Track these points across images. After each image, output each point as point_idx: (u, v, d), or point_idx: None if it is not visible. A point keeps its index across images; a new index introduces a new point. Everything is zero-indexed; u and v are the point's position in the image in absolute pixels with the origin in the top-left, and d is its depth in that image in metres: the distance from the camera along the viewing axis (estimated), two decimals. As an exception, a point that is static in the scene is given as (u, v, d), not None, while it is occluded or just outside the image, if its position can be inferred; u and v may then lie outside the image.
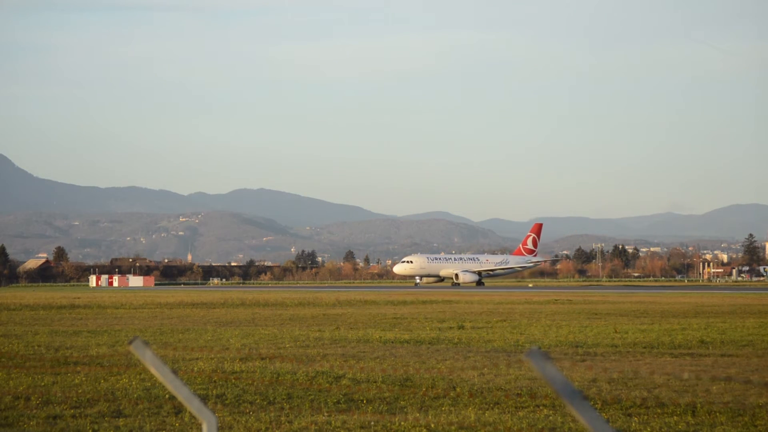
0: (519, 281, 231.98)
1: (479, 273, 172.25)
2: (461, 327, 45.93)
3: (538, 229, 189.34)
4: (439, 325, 47.40)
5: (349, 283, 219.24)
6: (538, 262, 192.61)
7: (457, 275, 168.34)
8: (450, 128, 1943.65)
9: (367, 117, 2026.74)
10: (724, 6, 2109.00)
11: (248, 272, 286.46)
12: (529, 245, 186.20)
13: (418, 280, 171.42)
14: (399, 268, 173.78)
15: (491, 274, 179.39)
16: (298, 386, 24.04)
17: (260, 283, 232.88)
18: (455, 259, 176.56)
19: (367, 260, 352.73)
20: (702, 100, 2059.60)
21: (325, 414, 20.17)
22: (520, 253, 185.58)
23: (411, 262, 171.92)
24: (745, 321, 50.10)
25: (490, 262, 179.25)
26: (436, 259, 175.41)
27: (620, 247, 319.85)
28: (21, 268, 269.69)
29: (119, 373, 26.67)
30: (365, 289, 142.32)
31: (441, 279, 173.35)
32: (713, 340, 37.65)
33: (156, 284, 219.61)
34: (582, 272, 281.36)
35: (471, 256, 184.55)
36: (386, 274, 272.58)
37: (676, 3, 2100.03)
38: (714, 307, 66.00)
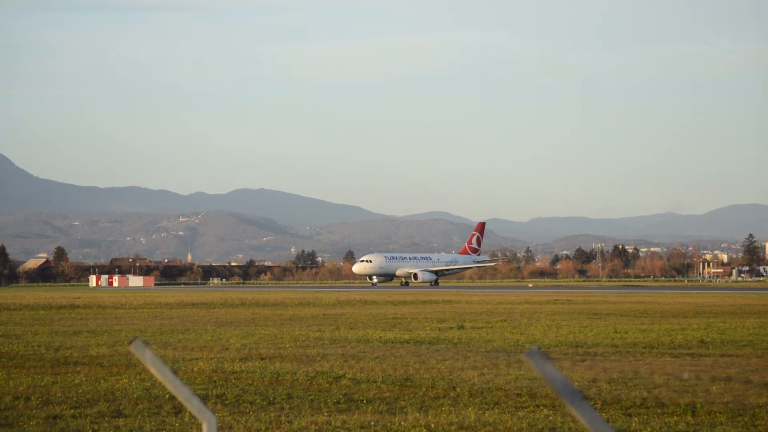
0: (519, 281, 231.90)
1: (436, 272, 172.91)
2: (461, 327, 45.93)
3: (481, 228, 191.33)
4: (439, 325, 47.39)
5: (349, 283, 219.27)
6: (483, 261, 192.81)
7: (416, 275, 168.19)
8: (450, 128, 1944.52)
9: (367, 117, 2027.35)
10: (723, 6, 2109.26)
11: (248, 272, 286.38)
12: (474, 244, 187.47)
13: (375, 280, 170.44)
14: (358, 267, 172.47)
15: (445, 273, 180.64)
16: (298, 386, 24.04)
17: (260, 283, 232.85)
18: (410, 258, 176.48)
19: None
20: (702, 101, 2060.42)
21: (325, 414, 20.17)
22: (466, 252, 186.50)
23: (370, 261, 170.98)
24: (745, 321, 50.10)
25: (441, 261, 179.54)
26: (393, 258, 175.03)
27: (620, 247, 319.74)
28: (21, 268, 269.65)
29: (119, 373, 26.67)
30: (363, 289, 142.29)
31: (391, 278, 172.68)
32: (713, 340, 37.65)
33: (156, 284, 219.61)
34: (582, 272, 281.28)
35: (424, 255, 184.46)
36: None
37: (676, 4, 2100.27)
38: (714, 307, 65.99)
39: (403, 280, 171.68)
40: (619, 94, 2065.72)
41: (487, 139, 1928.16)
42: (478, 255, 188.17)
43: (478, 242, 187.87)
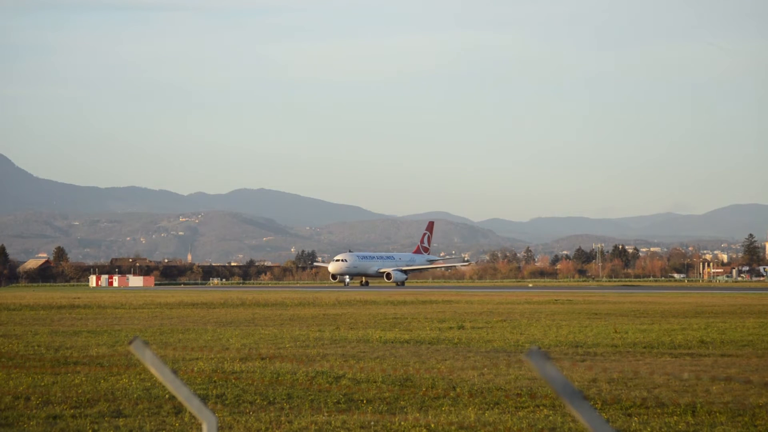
0: (519, 281, 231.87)
1: (405, 272, 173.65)
2: (461, 327, 45.93)
3: (431, 227, 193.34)
4: (439, 325, 47.40)
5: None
6: (433, 260, 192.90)
7: (389, 274, 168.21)
8: (450, 128, 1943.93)
9: (367, 117, 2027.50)
10: (723, 6, 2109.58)
11: (248, 272, 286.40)
12: (425, 243, 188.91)
13: (347, 280, 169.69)
14: (334, 266, 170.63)
15: (412, 272, 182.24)
16: (298, 386, 24.05)
17: (260, 283, 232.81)
18: (377, 258, 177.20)
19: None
20: (702, 101, 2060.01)
21: (325, 414, 20.18)
22: (419, 252, 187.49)
23: (345, 260, 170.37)
24: (745, 321, 50.11)
25: (402, 260, 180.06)
26: (365, 257, 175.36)
27: (620, 247, 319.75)
28: (21, 268, 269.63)
29: (119, 373, 26.67)
30: (363, 289, 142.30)
31: (352, 277, 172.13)
32: (713, 340, 37.65)
33: (156, 284, 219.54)
34: (582, 272, 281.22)
35: (389, 254, 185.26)
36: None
37: (676, 4, 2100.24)
38: (714, 307, 66.01)
39: (363, 280, 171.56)
40: (619, 94, 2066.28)
41: (488, 139, 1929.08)
42: (428, 254, 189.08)
43: (429, 241, 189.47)
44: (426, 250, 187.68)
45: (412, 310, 64.96)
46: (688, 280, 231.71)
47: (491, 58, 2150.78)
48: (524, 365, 28.07)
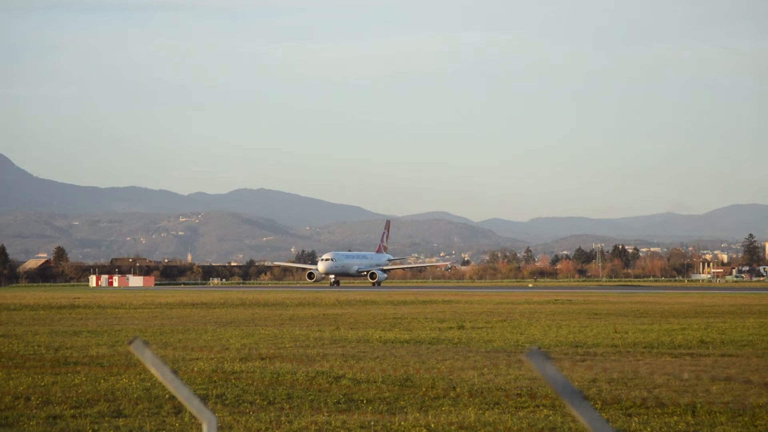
0: (518, 281, 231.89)
1: (386, 271, 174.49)
2: (461, 327, 45.94)
3: (388, 226, 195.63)
4: (439, 325, 47.41)
5: (349, 282, 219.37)
6: (392, 259, 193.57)
7: (373, 274, 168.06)
8: (450, 128, 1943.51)
9: (368, 117, 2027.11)
10: (723, 7, 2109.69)
11: (248, 272, 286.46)
12: (385, 242, 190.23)
13: (332, 279, 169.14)
14: (324, 266, 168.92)
15: (387, 271, 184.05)
16: (298, 386, 24.05)
17: (260, 283, 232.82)
18: (354, 257, 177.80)
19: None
20: (702, 100, 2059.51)
21: (325, 414, 20.18)
22: (380, 251, 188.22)
23: (333, 260, 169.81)
24: (745, 321, 50.12)
25: (373, 260, 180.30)
26: (348, 257, 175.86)
27: (620, 247, 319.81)
28: (21, 268, 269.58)
29: (119, 373, 26.67)
30: (363, 289, 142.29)
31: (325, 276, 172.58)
32: (713, 340, 37.66)
33: (156, 284, 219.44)
34: (582, 272, 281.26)
35: (363, 254, 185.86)
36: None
37: (676, 4, 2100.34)
38: (714, 307, 66.02)
39: (334, 278, 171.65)
40: (619, 94, 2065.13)
41: (487, 138, 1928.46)
42: (386, 253, 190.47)
43: (387, 240, 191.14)
44: (385, 249, 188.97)
45: (412, 310, 64.97)
46: (688, 280, 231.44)
47: (491, 57, 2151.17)
48: (524, 365, 28.08)
